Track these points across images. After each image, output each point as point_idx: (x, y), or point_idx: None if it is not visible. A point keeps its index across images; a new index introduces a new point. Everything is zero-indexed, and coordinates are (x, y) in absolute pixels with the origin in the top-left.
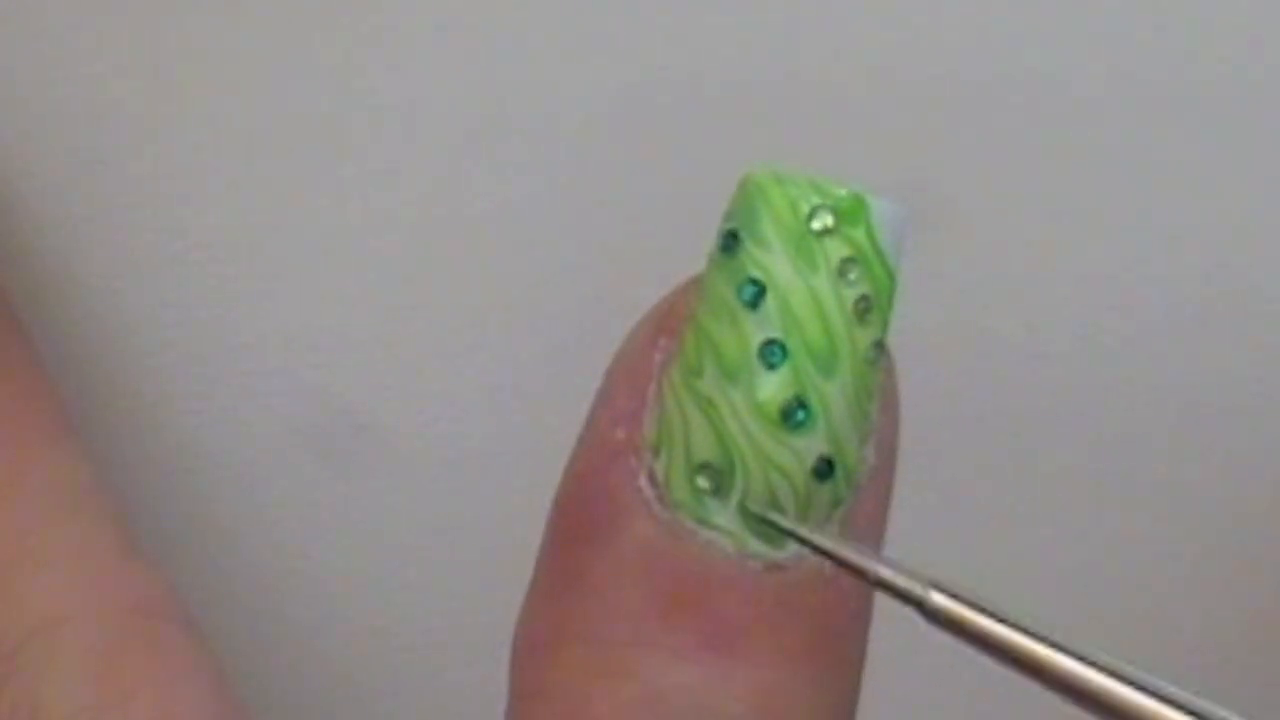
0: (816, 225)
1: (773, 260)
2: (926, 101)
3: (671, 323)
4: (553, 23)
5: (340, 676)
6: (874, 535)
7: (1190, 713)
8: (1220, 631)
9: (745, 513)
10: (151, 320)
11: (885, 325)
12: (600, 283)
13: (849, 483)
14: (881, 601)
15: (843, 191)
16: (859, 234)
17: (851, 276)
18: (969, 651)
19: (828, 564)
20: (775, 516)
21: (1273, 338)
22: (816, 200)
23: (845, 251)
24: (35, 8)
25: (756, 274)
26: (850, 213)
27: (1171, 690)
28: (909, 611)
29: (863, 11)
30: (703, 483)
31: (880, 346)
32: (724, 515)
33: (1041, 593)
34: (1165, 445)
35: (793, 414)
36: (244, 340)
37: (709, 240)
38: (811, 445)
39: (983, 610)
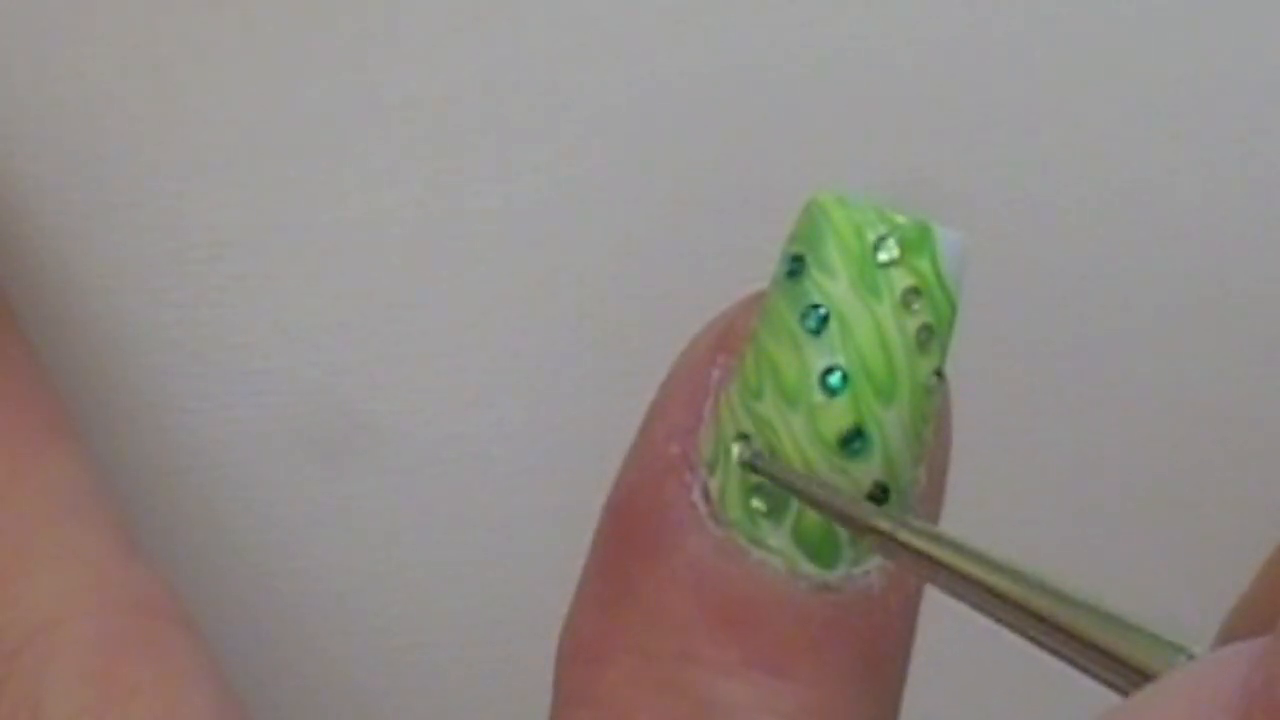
0: (883, 256)
1: (837, 288)
2: (929, 99)
3: (731, 341)
4: (554, 22)
5: (340, 676)
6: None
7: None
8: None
9: (797, 534)
10: (151, 320)
11: (945, 353)
12: (601, 282)
13: (901, 506)
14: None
15: (909, 220)
16: (923, 264)
17: (915, 306)
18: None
19: (876, 585)
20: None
21: (1273, 339)
22: (883, 229)
23: (909, 281)
24: (35, 8)
25: (820, 300)
26: (916, 242)
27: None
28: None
29: (866, 10)
30: (757, 504)
31: (939, 374)
32: (777, 536)
33: None
34: (1166, 444)
35: (851, 441)
36: (244, 340)
37: (711, 239)
38: (868, 471)
39: (930, 536)
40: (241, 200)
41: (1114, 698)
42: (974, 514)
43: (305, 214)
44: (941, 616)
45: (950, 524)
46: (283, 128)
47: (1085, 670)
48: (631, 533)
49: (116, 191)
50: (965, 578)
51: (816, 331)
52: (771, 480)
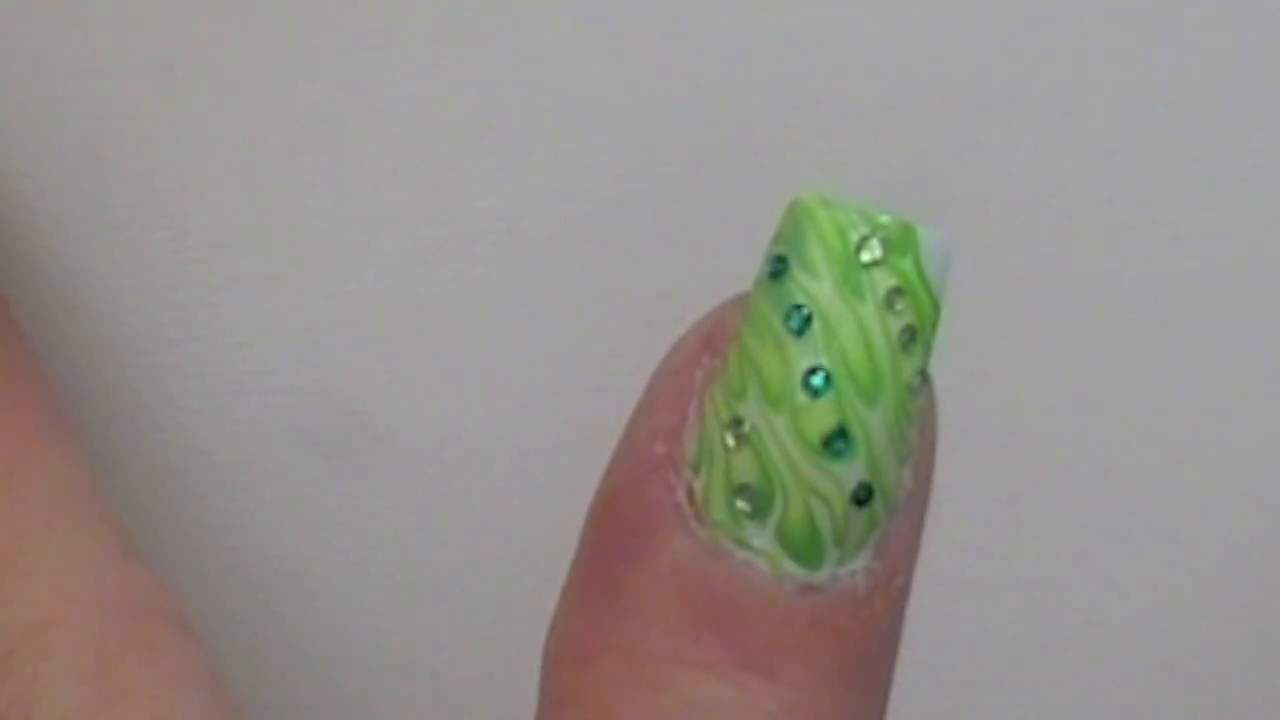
0: (866, 257)
1: (820, 288)
2: (930, 98)
3: (715, 341)
4: (554, 22)
5: (340, 676)
6: (908, 556)
7: None
8: (1220, 630)
9: (781, 535)
10: (151, 320)
11: (928, 354)
12: (601, 283)
13: (886, 507)
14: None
15: (892, 221)
16: (907, 264)
17: (898, 306)
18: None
19: (861, 586)
20: None
21: (1273, 337)
22: (865, 229)
23: (892, 281)
24: (35, 8)
25: (803, 301)
26: (899, 243)
27: None
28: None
29: (867, 9)
30: (742, 504)
31: (922, 374)
32: (761, 537)
33: (1041, 593)
34: (1158, 444)
35: (834, 441)
36: (244, 340)
37: (710, 239)
38: (852, 472)
39: None
40: (241, 200)
41: (1118, 695)
42: (963, 515)
43: (305, 214)
44: (930, 617)
45: (938, 524)
46: (283, 128)
47: None
48: (616, 533)
49: (116, 191)
50: None
51: (799, 332)
52: None
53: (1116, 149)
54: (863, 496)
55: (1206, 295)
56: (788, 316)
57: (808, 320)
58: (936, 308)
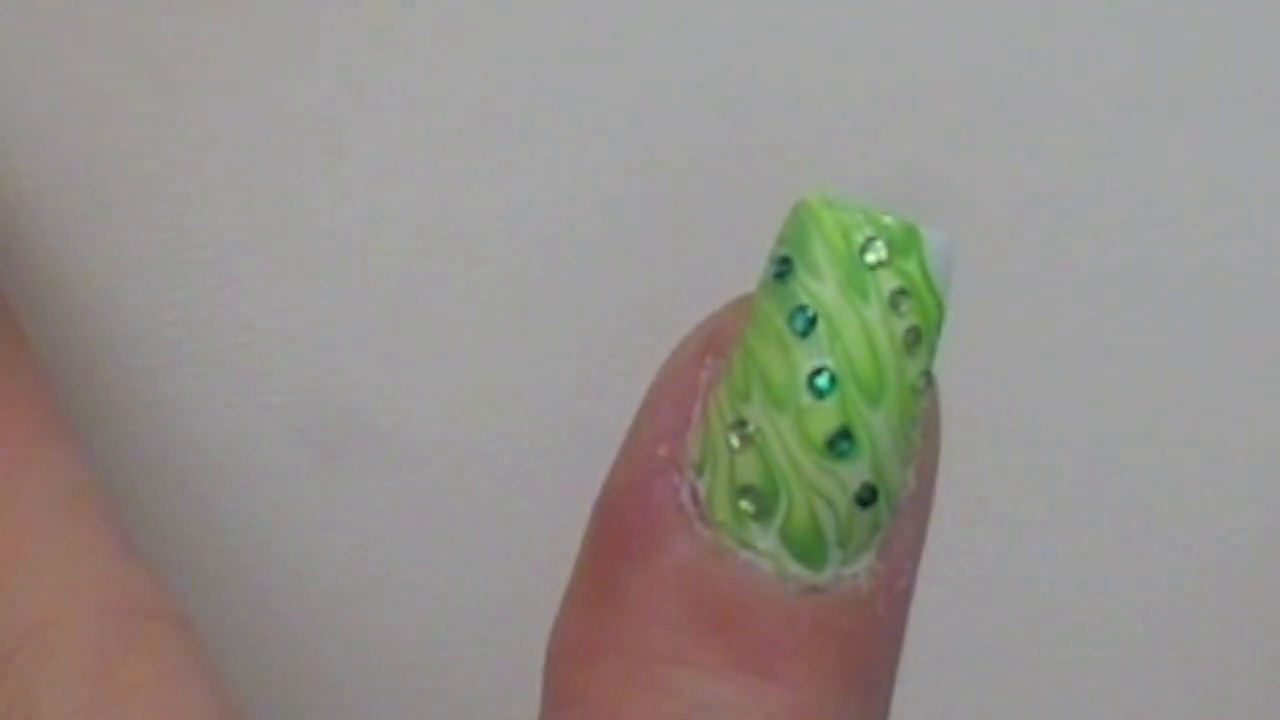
0: (870, 258)
1: (825, 290)
2: (930, 98)
3: (719, 343)
4: (554, 22)
5: (339, 676)
6: (912, 557)
7: None
8: (1220, 630)
9: (785, 536)
10: (151, 320)
11: (933, 355)
12: (602, 283)
13: (890, 508)
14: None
15: (896, 222)
16: (911, 266)
17: (902, 308)
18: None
19: (864, 587)
20: None
21: (1273, 337)
22: (870, 231)
23: (897, 283)
24: (35, 8)
25: (808, 302)
26: (903, 244)
27: None
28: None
29: (867, 9)
30: (746, 506)
31: (927, 376)
32: (765, 538)
33: (1040, 595)
34: (1160, 445)
35: (839, 443)
36: (244, 340)
37: (711, 239)
38: (856, 473)
39: None
40: (241, 200)
41: (1118, 695)
42: (965, 517)
43: (305, 214)
44: (930, 617)
45: (940, 526)
46: (283, 128)
47: None
48: (619, 534)
49: (116, 191)
50: None
51: (804, 333)
52: None
53: (1116, 149)
54: (866, 498)
55: (1206, 295)
56: (792, 318)
57: (812, 322)
58: (941, 309)
